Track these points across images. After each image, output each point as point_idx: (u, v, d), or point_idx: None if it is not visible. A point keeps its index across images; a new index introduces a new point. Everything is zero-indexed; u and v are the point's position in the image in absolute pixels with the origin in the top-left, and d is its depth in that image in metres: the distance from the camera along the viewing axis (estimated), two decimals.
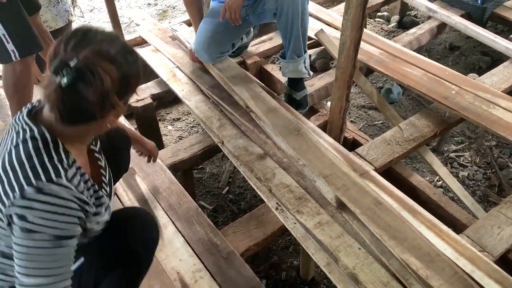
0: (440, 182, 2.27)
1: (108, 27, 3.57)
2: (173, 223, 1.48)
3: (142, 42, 2.71)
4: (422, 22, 3.02)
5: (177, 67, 2.23)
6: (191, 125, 2.67)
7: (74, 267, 0.94)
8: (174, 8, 4.00)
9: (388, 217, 1.34)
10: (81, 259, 1.05)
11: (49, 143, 0.88)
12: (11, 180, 0.84)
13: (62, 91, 0.81)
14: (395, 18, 3.53)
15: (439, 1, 3.00)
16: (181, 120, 2.72)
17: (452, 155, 2.44)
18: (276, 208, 1.46)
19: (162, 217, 1.50)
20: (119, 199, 1.57)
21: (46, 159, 0.86)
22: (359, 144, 2.02)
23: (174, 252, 1.38)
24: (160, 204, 1.55)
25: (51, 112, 0.86)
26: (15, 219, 0.83)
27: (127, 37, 2.71)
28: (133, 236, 1.12)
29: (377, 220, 1.33)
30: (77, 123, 0.89)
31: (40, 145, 0.87)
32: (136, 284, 1.16)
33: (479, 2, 2.84)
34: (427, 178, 2.29)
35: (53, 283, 0.86)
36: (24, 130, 0.89)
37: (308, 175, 1.54)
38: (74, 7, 2.34)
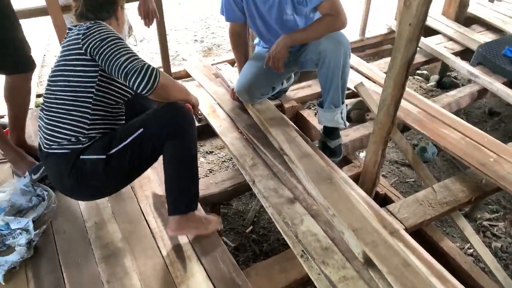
0: (471, 250, 2.18)
1: (156, 58, 3.76)
2: (197, 255, 1.48)
3: (186, 75, 2.85)
4: (462, 84, 3.02)
5: (218, 103, 2.32)
6: (222, 160, 2.72)
7: (134, 135, 1.35)
8: (219, 46, 4.19)
9: (416, 280, 1.29)
10: (141, 130, 1.38)
11: None
12: None
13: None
14: (435, 77, 3.55)
15: (481, 66, 3.01)
16: (213, 153, 2.78)
17: (485, 223, 2.35)
18: (301, 256, 1.44)
19: (187, 249, 1.51)
20: (148, 225, 1.60)
21: None
22: (390, 200, 2.00)
23: (196, 286, 1.38)
24: (186, 235, 1.57)
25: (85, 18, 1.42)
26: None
27: (173, 69, 2.85)
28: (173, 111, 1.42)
29: (404, 281, 1.29)
30: (103, 18, 1.42)
31: None
32: (193, 153, 1.46)
33: None
34: (457, 244, 2.21)
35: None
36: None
37: (337, 226, 1.53)
38: (129, 36, 2.48)
